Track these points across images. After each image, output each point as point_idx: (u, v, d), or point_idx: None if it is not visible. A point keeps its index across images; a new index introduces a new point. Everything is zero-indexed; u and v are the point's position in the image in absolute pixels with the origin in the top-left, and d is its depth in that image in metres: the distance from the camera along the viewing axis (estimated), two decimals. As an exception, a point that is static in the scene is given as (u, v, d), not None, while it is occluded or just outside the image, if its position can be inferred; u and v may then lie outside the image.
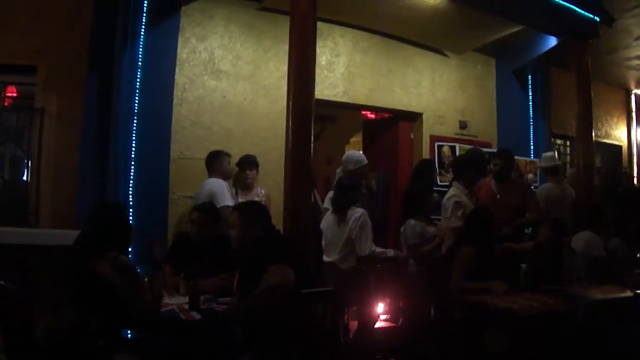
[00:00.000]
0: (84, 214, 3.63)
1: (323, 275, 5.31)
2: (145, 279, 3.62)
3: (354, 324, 5.04)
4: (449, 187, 6.33)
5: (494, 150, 7.33)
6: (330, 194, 5.80)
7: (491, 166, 6.13)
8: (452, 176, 6.61)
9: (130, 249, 3.72)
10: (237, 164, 6.06)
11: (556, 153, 8.21)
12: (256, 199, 5.81)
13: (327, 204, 5.84)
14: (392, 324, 5.24)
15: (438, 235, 5.67)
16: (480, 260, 4.72)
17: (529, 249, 5.45)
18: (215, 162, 5.84)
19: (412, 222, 5.59)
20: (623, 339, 4.04)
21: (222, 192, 5.53)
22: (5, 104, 6.15)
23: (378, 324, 5.22)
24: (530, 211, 5.94)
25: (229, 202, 5.50)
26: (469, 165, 6.22)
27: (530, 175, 8.40)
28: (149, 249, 3.70)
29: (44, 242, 5.23)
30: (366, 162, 5.93)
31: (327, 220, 5.46)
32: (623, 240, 5.97)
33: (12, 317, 3.04)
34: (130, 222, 3.61)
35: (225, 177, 5.83)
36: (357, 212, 5.20)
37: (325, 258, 5.35)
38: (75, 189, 5.81)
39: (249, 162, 6.10)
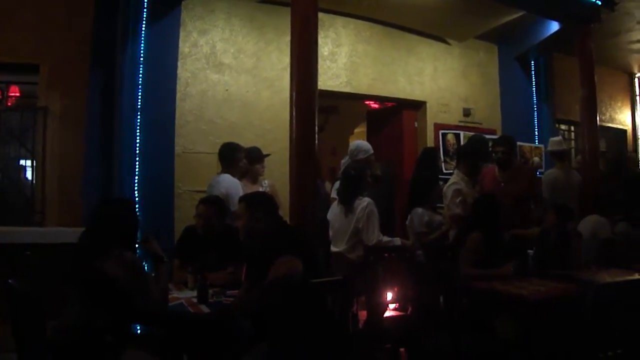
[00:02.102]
0: (90, 211, 3.62)
1: (331, 265, 5.30)
2: (152, 274, 3.62)
3: (363, 314, 5.03)
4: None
5: (497, 136, 7.31)
6: (337, 184, 5.79)
7: (494, 154, 6.10)
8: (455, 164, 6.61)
9: (137, 245, 3.69)
10: (247, 157, 5.94)
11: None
12: (260, 189, 5.78)
13: (334, 194, 5.84)
14: (401, 313, 5.22)
15: (444, 224, 5.67)
16: (488, 247, 4.72)
17: (536, 234, 5.44)
18: (232, 154, 5.68)
19: (419, 210, 5.60)
20: (631, 321, 4.03)
21: (238, 194, 5.40)
22: (9, 103, 6.14)
23: (387, 313, 5.20)
24: (533, 200, 5.95)
25: None
26: (470, 153, 6.21)
27: (536, 159, 8.38)
28: (145, 246, 3.68)
29: (51, 240, 5.24)
30: (373, 151, 5.94)
31: (334, 211, 5.46)
32: (630, 224, 5.95)
33: (22, 317, 3.04)
34: (138, 218, 3.57)
35: (240, 172, 5.72)
36: (363, 202, 5.19)
37: (333, 248, 5.34)
38: (81, 187, 5.82)
39: (260, 156, 6.00)
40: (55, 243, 5.05)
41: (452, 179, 6.07)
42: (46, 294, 3.01)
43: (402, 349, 5.01)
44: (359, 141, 6.53)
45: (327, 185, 6.71)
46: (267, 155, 6.02)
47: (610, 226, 5.86)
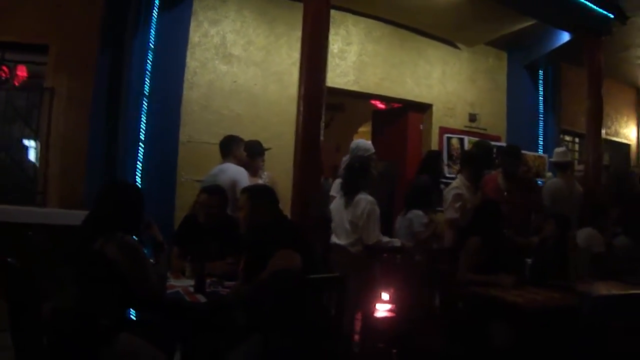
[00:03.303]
0: (92, 194, 3.62)
1: (331, 260, 5.30)
2: (151, 260, 3.63)
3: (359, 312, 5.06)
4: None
5: (503, 144, 7.31)
6: (337, 181, 5.80)
7: (504, 164, 6.11)
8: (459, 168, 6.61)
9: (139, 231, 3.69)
10: (247, 150, 5.95)
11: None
12: (260, 181, 5.78)
13: (334, 191, 5.84)
14: (396, 314, 5.23)
15: (433, 222, 5.68)
16: (488, 252, 4.72)
17: (534, 243, 5.45)
18: (233, 146, 5.66)
19: (420, 212, 5.61)
20: (627, 335, 4.04)
21: (246, 181, 5.40)
22: (16, 83, 6.14)
23: (382, 314, 5.22)
24: (533, 210, 5.96)
25: None
26: (474, 159, 6.21)
27: (549, 174, 8.35)
28: (147, 231, 3.69)
29: (52, 221, 5.24)
30: (374, 150, 5.94)
31: (336, 203, 5.48)
32: (629, 238, 5.95)
33: (18, 296, 3.04)
34: (143, 203, 3.57)
35: (240, 163, 5.66)
36: (365, 199, 5.20)
37: (336, 241, 5.35)
38: (84, 170, 5.81)
39: (261, 150, 5.99)
40: (56, 224, 5.05)
41: (454, 183, 6.07)
42: (44, 275, 3.01)
43: (395, 350, 5.02)
44: (359, 140, 6.54)
45: (330, 181, 6.71)
46: (268, 149, 6.01)
47: (603, 240, 5.86)
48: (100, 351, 2.98)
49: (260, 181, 5.78)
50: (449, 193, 5.91)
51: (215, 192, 4.72)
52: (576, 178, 7.16)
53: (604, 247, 5.76)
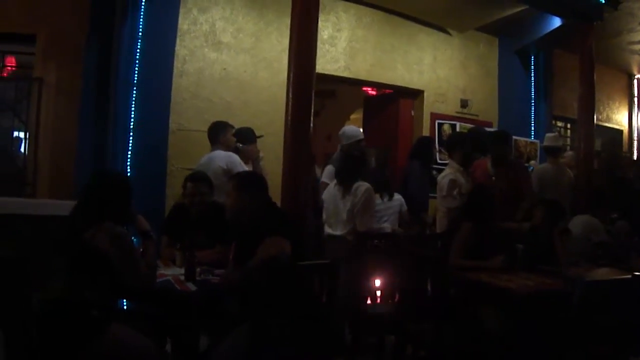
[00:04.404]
0: (82, 184, 3.60)
1: (327, 251, 5.28)
2: (141, 250, 3.62)
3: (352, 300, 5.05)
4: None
5: (494, 129, 7.31)
6: (328, 168, 5.78)
7: (493, 150, 6.11)
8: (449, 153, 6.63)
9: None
10: (239, 138, 5.90)
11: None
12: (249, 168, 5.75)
13: (325, 178, 5.83)
14: (387, 301, 5.23)
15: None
16: (479, 238, 4.72)
17: (525, 229, 5.44)
18: (220, 133, 5.61)
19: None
20: (619, 320, 4.05)
21: (238, 165, 5.35)
22: (4, 74, 6.10)
23: (374, 300, 5.22)
24: (523, 196, 5.96)
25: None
26: (463, 141, 6.22)
27: (533, 162, 8.37)
28: (132, 222, 3.66)
29: (41, 212, 5.21)
30: (361, 137, 5.92)
31: (330, 192, 5.44)
32: (629, 223, 5.96)
33: (7, 287, 3.03)
34: (131, 193, 3.54)
35: (229, 148, 5.59)
36: (363, 186, 5.19)
37: (331, 231, 5.34)
38: (73, 160, 5.80)
39: (252, 138, 5.91)
40: (46, 215, 5.02)
41: (447, 169, 6.08)
42: (34, 266, 2.99)
43: (387, 337, 5.03)
44: (346, 126, 6.53)
45: (317, 170, 6.71)
46: (260, 136, 5.98)
47: (604, 227, 5.84)
48: (91, 342, 2.96)
49: (250, 167, 5.74)
50: (444, 179, 5.92)
51: (200, 179, 4.70)
52: (566, 163, 7.18)
53: (605, 235, 5.73)
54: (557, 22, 7.79)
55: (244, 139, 5.78)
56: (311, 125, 4.82)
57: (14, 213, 5.21)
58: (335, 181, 5.44)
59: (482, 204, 4.96)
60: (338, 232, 5.24)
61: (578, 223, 5.73)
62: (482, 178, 5.96)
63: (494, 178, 5.93)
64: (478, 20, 7.97)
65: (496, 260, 4.58)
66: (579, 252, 5.29)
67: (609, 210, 6.18)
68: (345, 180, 5.30)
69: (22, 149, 6.14)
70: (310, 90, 4.80)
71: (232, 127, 5.73)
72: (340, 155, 5.86)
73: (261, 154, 5.85)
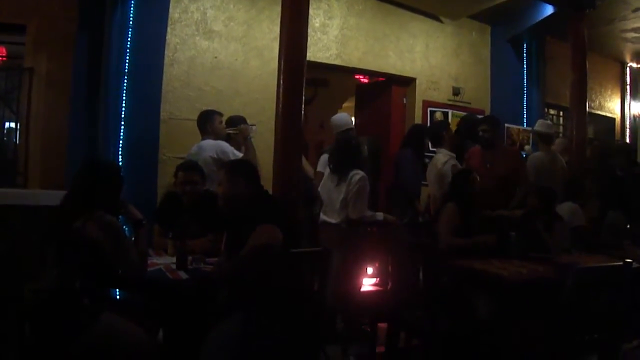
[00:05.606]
0: (73, 174, 3.58)
1: (321, 238, 5.29)
2: (132, 239, 3.61)
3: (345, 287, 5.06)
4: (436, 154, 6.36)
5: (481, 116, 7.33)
6: (324, 157, 5.78)
7: (480, 133, 6.10)
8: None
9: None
10: (228, 124, 5.80)
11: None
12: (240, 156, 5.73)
13: (320, 167, 5.83)
14: (380, 288, 5.24)
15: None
16: (465, 219, 4.76)
17: (519, 216, 5.46)
18: (207, 122, 5.59)
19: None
20: (610, 306, 4.07)
21: (232, 152, 5.35)
22: (-4, 65, 6.08)
23: (366, 288, 5.23)
24: (518, 182, 5.97)
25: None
26: (444, 129, 6.28)
27: (527, 147, 8.38)
28: (123, 211, 3.65)
29: (33, 202, 5.19)
30: (350, 126, 5.92)
31: (325, 182, 5.46)
32: (621, 213, 5.99)
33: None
34: (122, 181, 3.53)
35: (218, 137, 5.55)
36: (358, 175, 5.19)
37: (326, 218, 5.34)
38: (65, 150, 5.78)
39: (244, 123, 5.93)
40: (38, 205, 5.01)
41: (442, 157, 6.08)
42: (26, 257, 2.99)
43: (380, 324, 5.04)
44: (336, 115, 6.54)
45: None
46: (252, 125, 5.95)
47: (582, 213, 5.87)
48: (82, 331, 2.96)
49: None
50: (446, 165, 5.93)
51: (191, 168, 4.71)
52: (557, 150, 7.19)
53: (584, 221, 5.77)
54: (549, 9, 7.78)
55: (235, 125, 5.76)
56: (302, 113, 4.81)
57: (5, 204, 5.20)
58: (328, 169, 5.45)
59: (463, 186, 4.99)
60: (333, 220, 5.25)
61: (565, 209, 5.75)
62: (477, 165, 5.96)
63: (488, 165, 5.93)
64: (470, 8, 7.95)
65: (489, 237, 4.61)
66: (566, 238, 5.32)
67: (589, 196, 6.21)
68: (338, 169, 5.30)
69: (14, 139, 6.10)
70: (302, 78, 4.78)
71: (219, 114, 5.70)
72: (334, 144, 5.86)
73: (254, 127, 5.82)
